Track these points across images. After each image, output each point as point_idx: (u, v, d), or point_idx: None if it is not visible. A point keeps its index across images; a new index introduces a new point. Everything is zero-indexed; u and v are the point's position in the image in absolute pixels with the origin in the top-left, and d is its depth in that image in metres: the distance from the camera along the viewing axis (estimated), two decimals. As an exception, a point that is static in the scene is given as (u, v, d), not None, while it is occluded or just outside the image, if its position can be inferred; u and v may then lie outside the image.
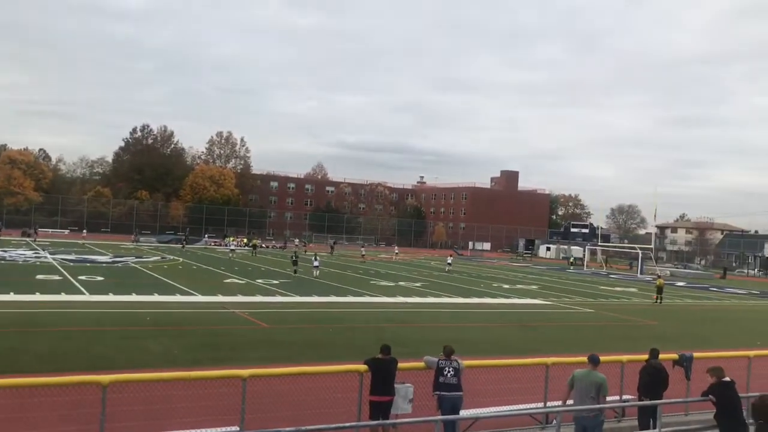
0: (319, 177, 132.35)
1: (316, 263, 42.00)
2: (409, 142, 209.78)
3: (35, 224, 74.48)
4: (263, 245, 77.07)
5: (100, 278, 32.55)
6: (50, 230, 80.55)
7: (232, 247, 60.85)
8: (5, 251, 46.91)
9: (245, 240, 78.75)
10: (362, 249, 68.75)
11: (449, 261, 56.83)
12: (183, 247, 68.53)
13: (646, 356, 11.94)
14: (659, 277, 42.48)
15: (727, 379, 10.11)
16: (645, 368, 11.58)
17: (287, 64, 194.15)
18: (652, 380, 11.29)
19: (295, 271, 42.28)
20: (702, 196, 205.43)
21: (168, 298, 26.94)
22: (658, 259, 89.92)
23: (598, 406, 10.14)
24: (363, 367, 10.50)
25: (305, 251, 67.22)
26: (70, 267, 37.73)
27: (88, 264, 40.94)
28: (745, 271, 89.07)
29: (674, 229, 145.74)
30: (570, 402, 10.57)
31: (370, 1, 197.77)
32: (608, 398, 10.58)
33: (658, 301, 37.42)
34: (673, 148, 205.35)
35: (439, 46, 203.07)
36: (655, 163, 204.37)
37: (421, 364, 11.11)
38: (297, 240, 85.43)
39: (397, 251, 73.25)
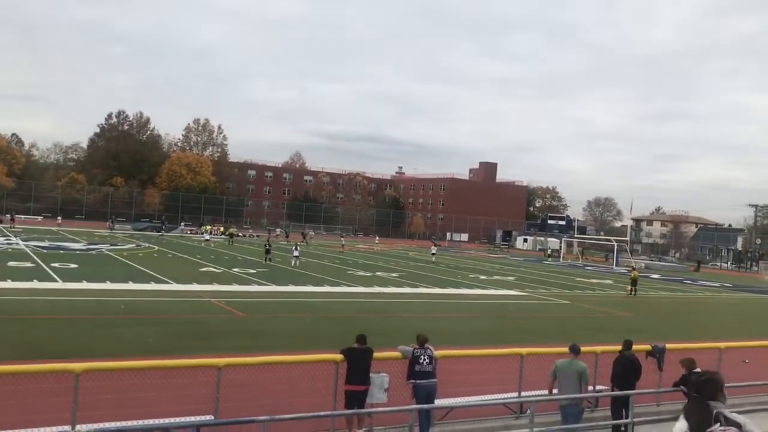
0: (297, 166, 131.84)
1: (296, 253, 42.27)
2: (388, 133, 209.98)
3: (12, 210, 73.19)
4: (240, 234, 76.64)
5: (73, 266, 32.16)
6: (23, 216, 79.47)
7: (207, 238, 60.38)
8: (-23, 237, 46.22)
9: (222, 228, 78.24)
10: (342, 239, 68.70)
11: (433, 251, 57.21)
12: (161, 234, 68.03)
13: (619, 347, 12.08)
14: (634, 269, 42.97)
15: (699, 370, 10.26)
16: (618, 359, 11.75)
17: (267, 52, 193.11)
18: (625, 371, 11.45)
19: (270, 260, 42.38)
20: (677, 189, 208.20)
21: (143, 286, 26.69)
22: (634, 252, 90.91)
23: (578, 395, 10.29)
24: (339, 356, 10.52)
25: (288, 241, 66.88)
26: (43, 254, 37.24)
27: (62, 251, 40.43)
28: (719, 264, 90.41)
29: (650, 222, 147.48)
30: (555, 392, 10.78)
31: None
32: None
33: (633, 293, 37.87)
34: (650, 142, 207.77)
35: (420, 36, 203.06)
36: (631, 156, 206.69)
37: (397, 353, 11.15)
38: (278, 230, 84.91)
39: (377, 240, 73.46)
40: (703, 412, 4.92)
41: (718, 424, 4.79)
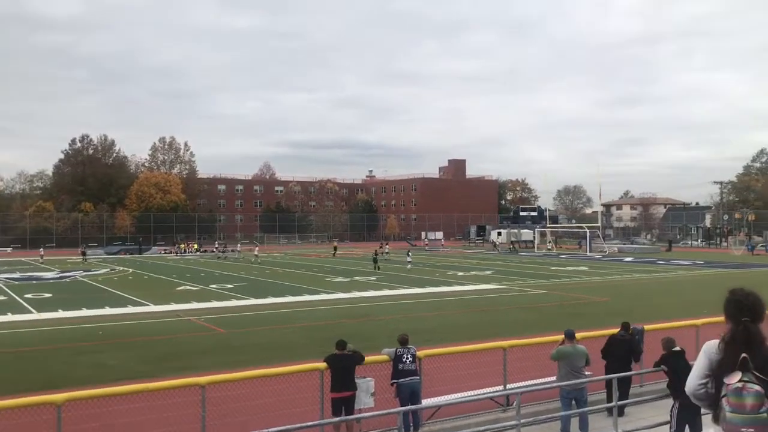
0: (267, 177, 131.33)
1: (408, 258, 47.75)
2: (356, 137, 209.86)
3: (44, 244, 70.53)
4: (213, 249, 75.81)
5: (47, 295, 31.68)
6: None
7: (232, 252, 61.92)
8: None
9: (195, 245, 77.52)
10: (387, 246, 66.27)
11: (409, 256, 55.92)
12: (84, 260, 61.99)
13: (598, 332, 12.34)
14: None
15: (678, 348, 10.48)
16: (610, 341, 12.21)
17: (227, 66, 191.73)
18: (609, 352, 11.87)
19: (378, 268, 45.99)
20: (643, 173, 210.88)
21: (120, 310, 26.40)
22: (606, 236, 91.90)
23: (580, 381, 10.63)
24: (322, 365, 10.53)
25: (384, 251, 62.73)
26: (15, 286, 36.60)
27: (35, 282, 39.79)
28: (689, 242, 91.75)
29: (619, 207, 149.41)
30: (552, 379, 11.13)
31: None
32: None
33: None
34: (613, 128, 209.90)
35: (379, 39, 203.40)
36: (596, 143, 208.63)
37: (382, 357, 11.21)
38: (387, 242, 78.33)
39: (387, 245, 70.92)
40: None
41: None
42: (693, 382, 3.88)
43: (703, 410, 4.01)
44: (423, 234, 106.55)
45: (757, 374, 3.64)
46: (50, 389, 11.67)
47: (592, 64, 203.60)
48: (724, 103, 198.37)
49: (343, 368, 10.43)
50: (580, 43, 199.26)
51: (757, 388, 3.60)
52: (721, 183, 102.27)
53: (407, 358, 10.90)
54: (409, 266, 46.48)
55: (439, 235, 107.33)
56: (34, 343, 19.63)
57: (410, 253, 51.66)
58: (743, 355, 3.67)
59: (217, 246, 75.77)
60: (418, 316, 24.70)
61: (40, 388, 12.43)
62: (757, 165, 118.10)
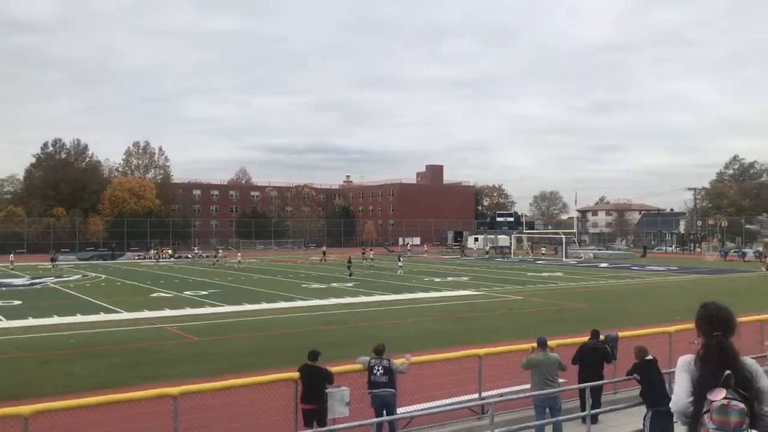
0: (243, 182, 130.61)
1: (400, 263, 49.56)
2: (334, 142, 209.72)
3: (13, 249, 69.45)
4: (189, 255, 75.39)
5: (17, 302, 31.13)
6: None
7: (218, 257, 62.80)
8: None
9: (169, 251, 76.91)
10: (371, 252, 65.19)
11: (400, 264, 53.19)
12: (53, 266, 59.00)
13: (572, 340, 12.37)
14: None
15: (650, 357, 10.56)
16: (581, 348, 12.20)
17: (204, 69, 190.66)
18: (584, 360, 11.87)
19: (351, 274, 45.97)
20: (619, 179, 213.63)
21: (92, 317, 26.00)
22: (582, 242, 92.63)
23: (552, 390, 10.58)
24: (296, 374, 10.41)
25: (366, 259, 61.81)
26: (-15, 293, 35.93)
27: (4, 288, 39.08)
28: (663, 248, 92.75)
29: (595, 212, 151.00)
30: (527, 387, 11.13)
31: (287, 2, 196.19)
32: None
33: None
34: (589, 134, 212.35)
35: (360, 44, 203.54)
36: (572, 149, 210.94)
37: (357, 365, 11.12)
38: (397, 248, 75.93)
39: (372, 251, 68.78)
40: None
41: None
42: (682, 400, 3.80)
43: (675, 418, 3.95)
44: (401, 239, 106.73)
45: (740, 391, 3.61)
46: (18, 400, 11.42)
47: (569, 71, 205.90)
48: (699, 111, 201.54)
49: (313, 380, 10.28)
50: (557, 50, 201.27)
51: (741, 405, 3.57)
52: (694, 189, 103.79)
53: (378, 370, 10.69)
54: (399, 272, 47.40)
55: (417, 240, 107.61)
56: (2, 351, 19.24)
57: (401, 258, 52.94)
58: (727, 372, 3.64)
59: (196, 251, 75.83)
60: (395, 322, 24.64)
61: (6, 399, 12.16)
62: (730, 172, 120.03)
